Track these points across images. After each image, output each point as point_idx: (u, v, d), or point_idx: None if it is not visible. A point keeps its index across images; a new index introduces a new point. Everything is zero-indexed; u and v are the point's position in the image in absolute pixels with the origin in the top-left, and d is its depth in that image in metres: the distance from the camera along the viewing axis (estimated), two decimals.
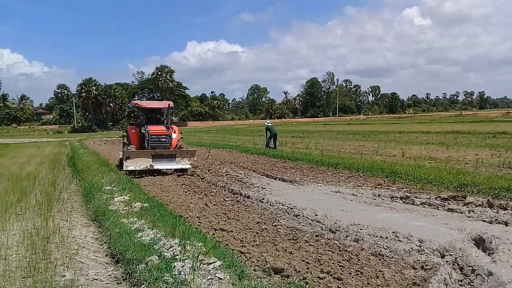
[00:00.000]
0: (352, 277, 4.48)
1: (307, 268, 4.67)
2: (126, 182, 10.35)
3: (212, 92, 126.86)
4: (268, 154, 18.42)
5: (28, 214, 7.62)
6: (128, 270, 4.67)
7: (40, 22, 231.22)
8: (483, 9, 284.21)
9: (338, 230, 6.30)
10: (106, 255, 5.60)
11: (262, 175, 12.82)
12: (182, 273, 4.18)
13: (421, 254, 5.11)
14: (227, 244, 5.61)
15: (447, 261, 4.80)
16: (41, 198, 8.99)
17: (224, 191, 10.20)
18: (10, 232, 6.48)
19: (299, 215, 7.37)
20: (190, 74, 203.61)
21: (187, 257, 4.57)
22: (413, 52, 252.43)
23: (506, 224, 6.32)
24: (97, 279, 4.67)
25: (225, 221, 7.07)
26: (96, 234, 6.66)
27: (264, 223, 6.85)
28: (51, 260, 5.08)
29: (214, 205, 8.48)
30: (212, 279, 4.07)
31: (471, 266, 4.52)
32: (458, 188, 9.16)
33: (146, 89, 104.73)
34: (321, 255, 5.12)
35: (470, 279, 4.36)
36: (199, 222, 6.98)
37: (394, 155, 16.03)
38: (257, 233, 6.25)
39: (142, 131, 14.38)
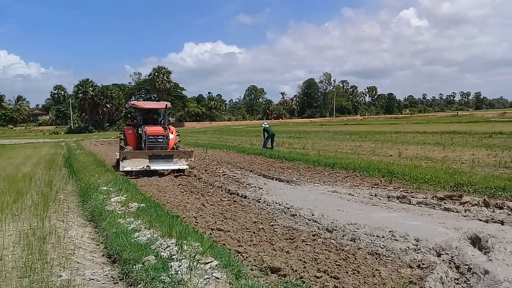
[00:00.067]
0: (349, 276, 4.49)
1: (304, 267, 4.68)
2: (122, 183, 10.33)
3: (209, 93, 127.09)
4: (265, 154, 18.43)
5: (24, 215, 7.59)
6: (125, 270, 4.66)
7: (37, 23, 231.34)
8: (480, 10, 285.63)
9: (335, 230, 6.31)
10: (103, 255, 5.58)
11: (259, 175, 12.82)
12: (179, 272, 4.18)
13: (417, 253, 5.13)
14: (224, 244, 5.60)
15: (443, 260, 4.82)
16: (37, 198, 8.96)
17: (221, 191, 10.19)
18: (6, 232, 6.46)
19: (296, 214, 7.38)
20: (187, 75, 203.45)
21: (184, 257, 4.56)
22: (410, 53, 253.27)
23: (502, 223, 6.35)
24: (93, 279, 4.66)
25: (222, 221, 7.06)
26: (93, 234, 6.65)
27: (261, 223, 6.85)
28: (48, 261, 5.06)
29: (211, 205, 8.48)
30: (209, 278, 4.07)
31: (467, 265, 4.54)
32: (455, 187, 9.19)
33: (143, 90, 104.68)
34: (318, 255, 5.13)
35: (466, 277, 4.38)
36: (196, 222, 6.97)
37: (390, 155, 16.07)
38: (254, 232, 6.25)
39: (139, 132, 14.35)
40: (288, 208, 7.83)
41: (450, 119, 59.56)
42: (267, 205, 8.32)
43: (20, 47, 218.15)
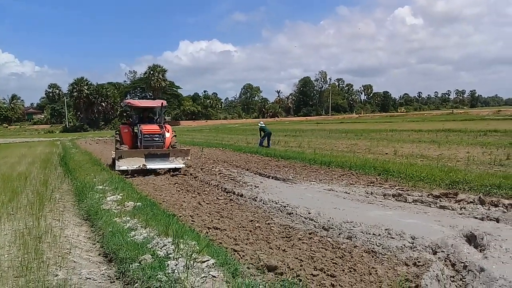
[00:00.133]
0: (345, 274, 4.50)
1: (301, 265, 4.69)
2: (118, 182, 10.30)
3: (204, 91, 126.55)
4: (261, 153, 18.42)
5: (20, 214, 7.55)
6: (121, 269, 4.65)
7: (32, 22, 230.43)
8: (475, 8, 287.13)
9: (331, 228, 6.33)
10: (99, 254, 5.57)
11: (255, 173, 12.82)
12: (176, 271, 4.17)
13: (413, 250, 5.15)
14: (220, 243, 5.61)
15: (439, 258, 4.84)
16: (33, 197, 8.91)
17: (217, 189, 10.19)
18: (1, 232, 6.43)
19: (292, 213, 7.38)
20: (182, 74, 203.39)
21: (180, 256, 4.56)
22: (405, 52, 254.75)
23: (497, 220, 6.39)
24: (90, 278, 4.65)
25: (219, 219, 7.07)
26: (89, 233, 6.63)
27: (258, 221, 6.86)
28: (44, 260, 5.04)
29: (207, 203, 8.47)
30: (206, 277, 4.07)
31: (463, 262, 4.56)
32: (450, 185, 9.23)
33: (139, 89, 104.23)
34: (314, 253, 5.14)
35: (462, 275, 4.40)
36: (192, 220, 6.97)
37: (386, 153, 16.12)
38: (250, 231, 6.26)
39: (135, 131, 14.27)
40: (285, 207, 7.84)
41: (445, 117, 59.83)
42: (263, 203, 8.32)
43: (14, 45, 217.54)
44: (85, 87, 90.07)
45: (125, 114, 21.38)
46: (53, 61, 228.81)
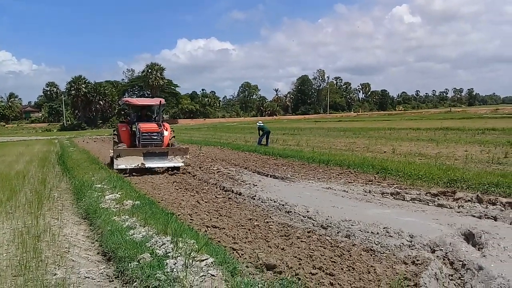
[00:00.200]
0: (344, 272, 4.51)
1: (299, 264, 4.69)
2: (117, 180, 10.29)
3: (202, 90, 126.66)
4: (259, 151, 18.43)
5: (18, 213, 7.55)
6: (120, 268, 4.64)
7: (29, 20, 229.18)
8: (472, 6, 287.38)
9: (330, 226, 6.34)
10: (98, 253, 5.56)
11: (253, 172, 12.83)
12: (175, 270, 4.17)
13: (412, 249, 5.16)
14: (219, 241, 5.61)
15: (437, 256, 4.85)
16: (31, 196, 8.90)
17: (216, 188, 10.19)
18: (0, 231, 6.42)
19: (290, 211, 7.39)
20: (180, 72, 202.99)
21: (179, 254, 4.56)
22: (403, 50, 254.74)
23: (495, 219, 6.40)
24: (88, 277, 4.64)
25: (217, 218, 7.07)
26: (87, 232, 6.62)
27: (256, 220, 6.86)
28: (42, 259, 5.04)
29: (206, 202, 8.47)
30: (205, 276, 4.07)
31: (461, 261, 4.57)
32: (448, 184, 9.25)
33: (136, 87, 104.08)
34: (313, 251, 5.14)
35: (460, 273, 4.41)
36: (191, 219, 6.97)
37: (384, 152, 16.15)
38: (249, 229, 6.26)
39: (133, 129, 14.20)
40: (283, 205, 7.85)
41: (443, 115, 59.98)
42: (262, 202, 8.33)
43: (12, 43, 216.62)
44: (83, 85, 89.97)
45: (123, 112, 21.31)
46: (50, 60, 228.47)
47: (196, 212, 7.51)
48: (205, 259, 4.42)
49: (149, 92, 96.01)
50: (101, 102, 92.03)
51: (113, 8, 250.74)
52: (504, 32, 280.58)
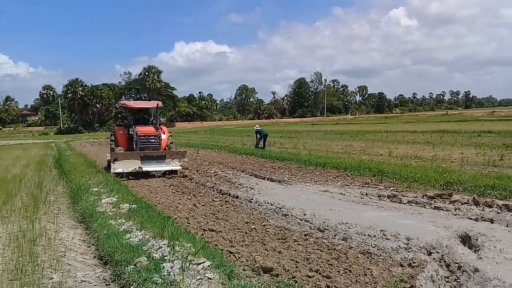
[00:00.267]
0: (341, 275, 4.51)
1: (296, 267, 4.70)
2: (113, 184, 10.27)
3: (200, 93, 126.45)
4: (256, 154, 18.45)
5: (14, 217, 7.52)
6: (117, 272, 4.64)
7: (26, 23, 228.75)
8: (469, 9, 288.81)
9: (327, 229, 6.34)
10: (94, 257, 5.55)
11: (250, 175, 12.83)
12: (171, 273, 4.17)
13: (408, 251, 5.17)
14: (216, 245, 5.61)
15: (434, 258, 4.86)
16: (27, 200, 8.87)
17: (213, 191, 10.18)
18: None
19: (287, 214, 7.39)
20: (177, 75, 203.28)
21: (176, 258, 4.55)
22: (400, 53, 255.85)
23: (491, 221, 6.42)
24: (85, 281, 4.63)
25: (214, 221, 7.06)
26: (84, 236, 6.61)
27: (253, 223, 6.86)
28: (38, 263, 5.02)
29: (202, 205, 8.47)
30: (202, 279, 4.07)
31: (458, 263, 4.59)
32: (444, 186, 9.28)
33: (134, 90, 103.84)
34: (310, 254, 5.15)
35: (456, 275, 4.42)
36: (187, 222, 6.96)
37: (381, 155, 16.17)
38: (246, 233, 6.26)
39: (130, 132, 14.09)
40: (280, 208, 7.85)
41: (440, 118, 60.08)
42: (259, 205, 8.33)
43: (9, 46, 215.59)
44: (79, 88, 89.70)
45: (120, 115, 21.24)
46: (47, 63, 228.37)
47: (193, 216, 7.50)
48: (202, 263, 4.42)
49: (146, 95, 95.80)
50: (98, 105, 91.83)
51: (110, 11, 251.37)
52: (500, 35, 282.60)
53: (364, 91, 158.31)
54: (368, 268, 4.68)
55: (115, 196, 8.60)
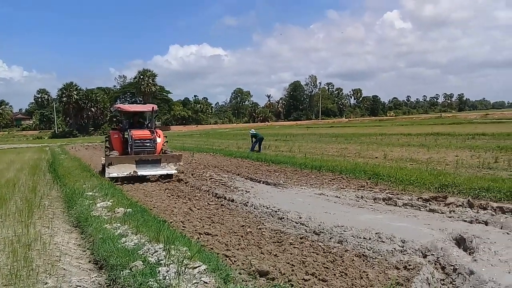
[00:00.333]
0: (337, 278, 4.52)
1: (292, 270, 4.69)
2: (108, 188, 10.23)
3: (195, 96, 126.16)
4: (251, 157, 18.44)
5: (9, 221, 7.47)
6: (112, 276, 4.61)
7: (20, 26, 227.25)
8: (462, 12, 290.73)
9: (322, 232, 6.35)
10: (89, 262, 5.52)
11: (246, 178, 12.82)
12: (167, 278, 4.16)
13: (403, 254, 5.19)
14: (212, 248, 5.59)
15: (429, 261, 4.88)
16: (22, 205, 8.81)
17: (208, 195, 10.17)
18: None
19: (283, 218, 7.39)
20: (172, 78, 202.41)
21: (172, 262, 4.54)
22: (394, 55, 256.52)
23: (486, 223, 6.46)
24: (80, 286, 4.61)
25: (210, 225, 7.05)
26: (79, 240, 6.57)
27: (249, 227, 6.86)
28: (33, 268, 4.99)
29: (198, 209, 8.45)
30: (198, 283, 4.06)
31: (453, 266, 4.61)
32: (439, 189, 9.31)
33: (128, 93, 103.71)
34: (305, 257, 5.15)
35: (452, 278, 4.44)
36: (183, 226, 6.94)
37: (376, 157, 16.22)
38: (241, 236, 6.26)
39: (125, 136, 13.97)
40: (276, 211, 7.85)
41: (434, 120, 60.47)
42: (254, 208, 8.33)
43: (2, 50, 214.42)
44: (74, 92, 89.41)
45: (115, 119, 21.14)
46: (41, 66, 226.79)
47: (188, 219, 7.49)
48: (198, 266, 4.41)
49: (141, 99, 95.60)
50: (92, 109, 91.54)
51: (105, 14, 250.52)
52: (494, 37, 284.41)
53: (359, 94, 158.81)
54: (364, 271, 4.69)
55: (110, 200, 8.57)
